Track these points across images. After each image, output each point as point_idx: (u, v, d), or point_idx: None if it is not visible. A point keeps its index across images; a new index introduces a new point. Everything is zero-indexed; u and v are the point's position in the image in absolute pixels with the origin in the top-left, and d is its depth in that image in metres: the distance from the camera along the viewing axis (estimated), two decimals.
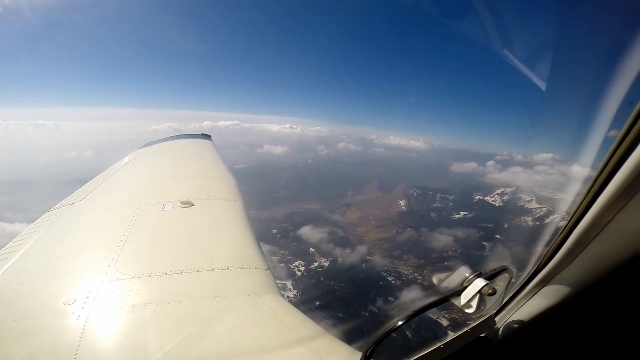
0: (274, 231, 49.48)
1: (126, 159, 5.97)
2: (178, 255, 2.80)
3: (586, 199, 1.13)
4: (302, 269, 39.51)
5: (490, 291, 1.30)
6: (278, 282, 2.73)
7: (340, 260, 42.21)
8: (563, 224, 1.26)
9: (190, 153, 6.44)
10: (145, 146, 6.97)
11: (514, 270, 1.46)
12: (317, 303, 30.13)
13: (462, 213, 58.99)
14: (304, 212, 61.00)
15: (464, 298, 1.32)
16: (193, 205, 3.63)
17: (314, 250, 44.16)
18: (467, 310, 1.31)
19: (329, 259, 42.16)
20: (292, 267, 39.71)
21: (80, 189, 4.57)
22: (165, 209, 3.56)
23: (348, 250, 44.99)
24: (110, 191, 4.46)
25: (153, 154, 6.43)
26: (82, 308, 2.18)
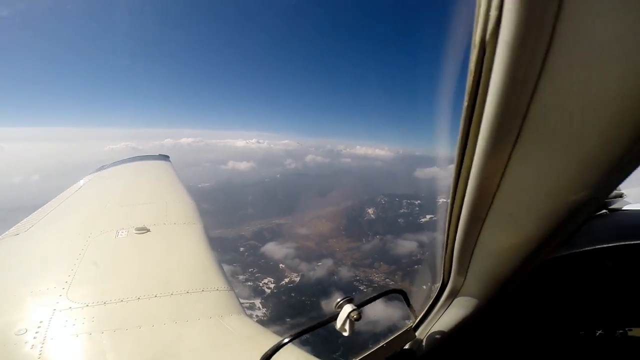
0: (241, 249, 48.22)
1: (77, 185, 5.68)
2: (134, 282, 2.77)
3: (452, 218, 1.07)
4: (272, 285, 38.64)
5: (355, 316, 1.31)
6: (245, 301, 2.76)
7: (311, 273, 41.89)
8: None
9: (146, 176, 6.26)
10: (97, 170, 6.66)
11: (408, 289, 1.55)
12: (288, 320, 29.30)
13: (428, 216, 61.17)
14: (273, 228, 60.15)
15: (338, 321, 1.34)
16: (149, 230, 3.57)
17: (283, 266, 43.49)
18: (343, 333, 1.33)
19: (300, 273, 41.66)
20: (261, 284, 38.67)
21: (25, 219, 4.29)
22: (119, 235, 3.48)
23: (319, 263, 44.87)
24: (58, 220, 4.24)
25: (106, 178, 6.15)
26: (35, 337, 2.13)
